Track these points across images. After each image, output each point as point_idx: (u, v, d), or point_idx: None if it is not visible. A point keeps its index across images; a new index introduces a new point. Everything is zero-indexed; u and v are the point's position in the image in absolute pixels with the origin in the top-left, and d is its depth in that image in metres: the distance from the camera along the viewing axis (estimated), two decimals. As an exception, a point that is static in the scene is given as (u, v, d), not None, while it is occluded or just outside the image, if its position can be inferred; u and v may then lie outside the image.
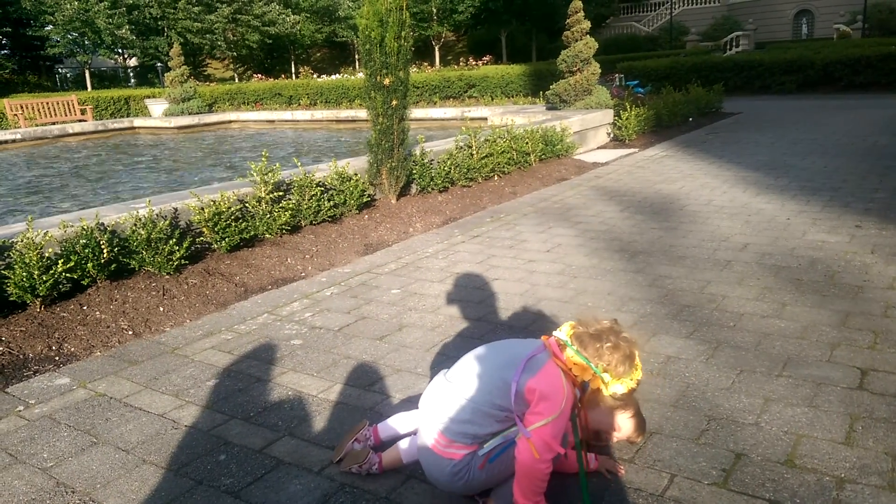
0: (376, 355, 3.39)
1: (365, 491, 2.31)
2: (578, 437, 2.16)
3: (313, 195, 5.64)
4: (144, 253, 4.42)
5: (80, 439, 2.73)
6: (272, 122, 19.08)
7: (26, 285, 3.83)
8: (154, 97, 22.08)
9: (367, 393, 3.01)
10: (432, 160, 7.04)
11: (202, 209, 4.84)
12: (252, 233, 5.14)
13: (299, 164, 5.94)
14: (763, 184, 7.08)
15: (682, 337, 3.42)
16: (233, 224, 4.96)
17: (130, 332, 3.84)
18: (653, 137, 11.08)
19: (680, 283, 4.22)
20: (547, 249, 5.13)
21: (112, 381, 3.25)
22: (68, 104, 19.80)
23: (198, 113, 19.39)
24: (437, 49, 34.64)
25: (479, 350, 2.30)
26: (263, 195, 5.30)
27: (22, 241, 3.93)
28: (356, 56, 37.39)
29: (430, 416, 2.23)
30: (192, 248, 4.82)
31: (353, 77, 22.82)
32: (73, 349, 3.63)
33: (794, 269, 4.35)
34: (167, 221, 4.57)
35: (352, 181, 6.03)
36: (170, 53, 19.83)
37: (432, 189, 6.96)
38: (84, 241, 4.18)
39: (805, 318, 3.55)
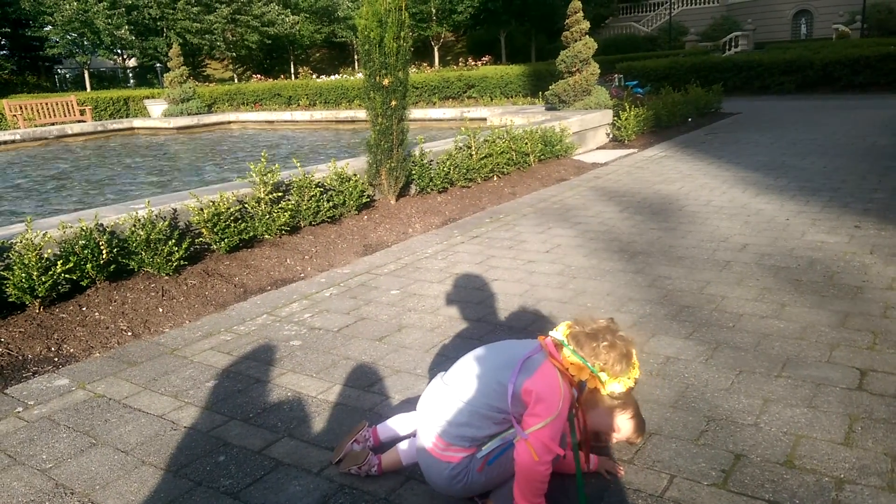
0: (375, 356, 3.39)
1: (364, 492, 2.30)
2: (576, 438, 2.16)
3: (312, 196, 5.64)
4: (144, 254, 4.42)
5: (80, 440, 2.73)
6: (271, 122, 19.07)
7: (25, 286, 3.83)
8: (153, 98, 22.07)
9: (366, 394, 3.01)
10: (431, 161, 7.04)
11: (201, 210, 4.84)
12: (251, 233, 5.14)
13: (298, 164, 5.94)
14: (762, 184, 7.08)
15: (682, 337, 3.42)
16: (232, 225, 4.96)
17: (129, 333, 3.84)
18: (652, 138, 11.09)
19: (679, 283, 4.22)
20: (546, 250, 5.13)
21: (111, 383, 3.24)
22: (67, 105, 19.79)
23: (197, 113, 19.38)
24: (436, 49, 34.64)
25: (476, 352, 2.30)
26: (262, 196, 5.30)
27: (21, 242, 3.92)
28: (355, 56, 37.40)
29: (427, 419, 2.23)
30: (192, 248, 4.82)
31: (352, 77, 22.82)
32: (72, 350, 3.63)
33: (793, 270, 4.35)
34: (166, 222, 4.57)
35: (351, 182, 6.03)
36: (169, 54, 19.81)
37: (431, 190, 6.96)
38: (83, 242, 4.17)
39: (804, 319, 3.56)
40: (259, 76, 30.42)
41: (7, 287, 3.83)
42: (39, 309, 3.98)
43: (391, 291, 4.37)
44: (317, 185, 5.70)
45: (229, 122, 19.57)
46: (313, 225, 5.73)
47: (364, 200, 6.16)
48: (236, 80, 35.49)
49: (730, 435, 2.52)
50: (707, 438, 2.51)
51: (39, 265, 3.87)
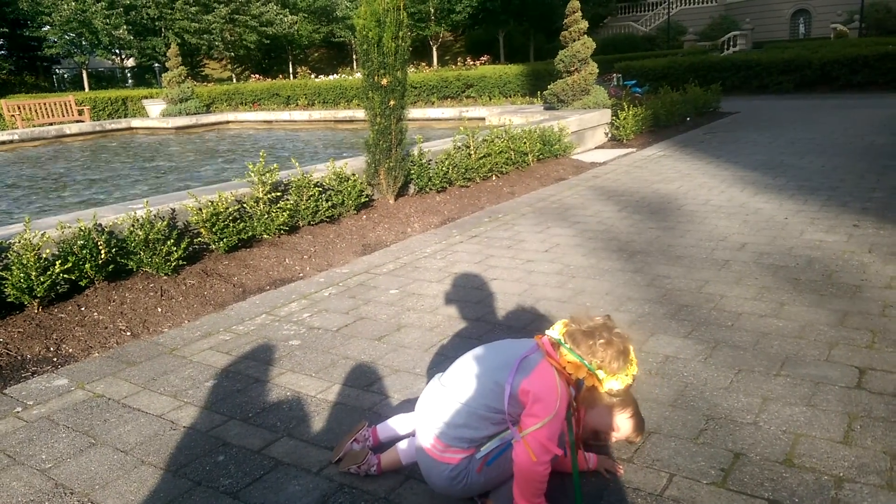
0: (375, 356, 3.39)
1: (364, 491, 2.30)
2: (574, 437, 2.16)
3: (311, 195, 5.64)
4: (142, 254, 4.41)
5: (79, 440, 2.72)
6: (270, 122, 19.07)
7: (24, 286, 3.82)
8: (151, 98, 22.05)
9: (365, 393, 3.01)
10: (430, 160, 7.03)
11: (200, 210, 4.84)
12: (250, 233, 5.14)
13: (297, 164, 5.94)
14: (761, 183, 7.09)
15: (681, 336, 3.42)
16: (231, 224, 4.96)
17: (128, 333, 3.84)
18: (650, 137, 11.09)
19: (678, 282, 4.23)
20: (545, 249, 5.13)
21: (110, 382, 3.24)
22: (66, 105, 19.78)
23: (195, 113, 19.37)
24: (434, 49, 34.63)
25: (473, 352, 2.29)
26: (261, 196, 5.29)
27: (19, 242, 3.92)
28: (354, 56, 37.39)
29: (426, 420, 2.22)
30: (190, 248, 4.81)
31: (350, 77, 22.82)
32: (71, 350, 3.63)
33: (791, 269, 4.35)
34: (165, 222, 4.56)
35: (350, 181, 6.03)
36: (167, 54, 19.80)
37: (430, 189, 6.96)
38: (82, 242, 4.17)
39: (803, 318, 3.56)
40: (257, 76, 30.40)
41: (6, 287, 3.82)
42: (38, 309, 3.98)
43: (390, 291, 4.37)
44: (315, 185, 5.70)
45: (228, 122, 19.56)
46: (312, 225, 5.73)
47: (363, 200, 6.16)
48: (235, 80, 35.47)
49: (729, 434, 2.52)
50: (706, 437, 2.51)
51: (38, 265, 3.86)
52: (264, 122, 19.17)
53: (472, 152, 7.45)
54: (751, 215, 5.78)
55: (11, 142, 16.02)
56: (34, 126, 18.09)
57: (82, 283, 4.21)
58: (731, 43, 30.31)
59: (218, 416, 2.87)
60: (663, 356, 3.20)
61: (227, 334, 3.77)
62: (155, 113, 20.58)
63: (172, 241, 4.46)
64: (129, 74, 38.05)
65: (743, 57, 20.18)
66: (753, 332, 3.41)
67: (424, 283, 4.50)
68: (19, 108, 18.90)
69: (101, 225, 4.40)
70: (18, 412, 2.99)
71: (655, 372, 3.05)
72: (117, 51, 33.23)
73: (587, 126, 10.33)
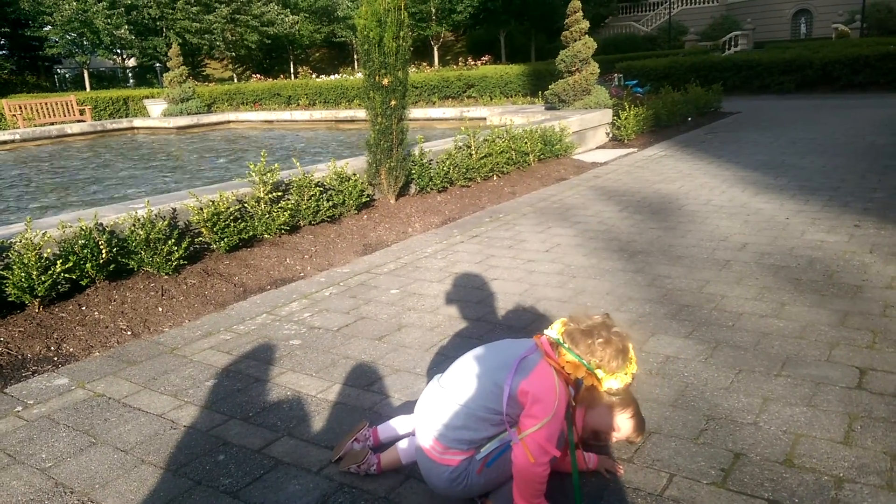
0: (375, 355, 3.39)
1: (364, 491, 2.30)
2: (573, 437, 2.15)
3: (312, 195, 5.64)
4: (143, 253, 4.41)
5: (79, 439, 2.73)
6: (271, 122, 19.07)
7: (25, 286, 3.83)
8: (153, 97, 22.07)
9: (365, 393, 3.01)
10: (431, 160, 7.04)
11: (201, 209, 4.84)
12: (251, 233, 5.14)
13: (298, 164, 5.94)
14: (762, 183, 7.08)
15: (681, 336, 3.42)
16: (231, 224, 4.96)
17: (129, 333, 3.84)
18: (651, 137, 11.09)
19: (679, 282, 4.22)
20: (546, 249, 5.13)
21: (111, 382, 3.24)
22: (67, 104, 19.79)
23: (196, 113, 19.38)
24: (435, 49, 34.63)
25: (471, 353, 2.28)
26: (262, 195, 5.30)
27: (20, 241, 3.92)
28: (355, 56, 37.40)
29: (425, 422, 2.22)
30: (191, 248, 4.82)
31: (351, 77, 22.83)
32: (71, 349, 3.63)
33: (792, 269, 4.35)
34: (166, 222, 4.57)
35: (350, 181, 6.03)
36: (168, 54, 19.82)
37: (431, 189, 6.96)
38: (83, 241, 4.17)
39: (804, 318, 3.56)
40: (258, 76, 30.41)
41: (7, 286, 3.83)
42: (39, 308, 3.98)
43: (391, 291, 4.37)
44: (316, 185, 5.70)
45: (229, 122, 19.57)
46: (313, 224, 5.73)
47: (364, 200, 6.16)
48: (236, 80, 35.48)
49: (729, 434, 2.52)
50: (706, 437, 2.51)
51: (39, 265, 3.87)
52: (265, 122, 19.18)
53: (473, 152, 7.45)
54: (752, 215, 5.78)
55: (13, 141, 16.04)
56: (35, 126, 18.11)
57: (83, 283, 4.22)
58: (733, 43, 30.31)
59: (218, 415, 2.87)
60: (664, 356, 3.20)
61: (228, 334, 3.77)
62: (156, 113, 20.60)
63: (173, 240, 4.47)
64: (130, 74, 38.07)
65: (744, 57, 20.16)
66: (754, 333, 3.40)
67: (425, 282, 4.50)
68: (21, 107, 18.92)
69: (102, 224, 4.40)
70: (19, 411, 3.00)
71: (656, 372, 3.05)
72: (118, 51, 33.25)
73: (588, 126, 10.32)
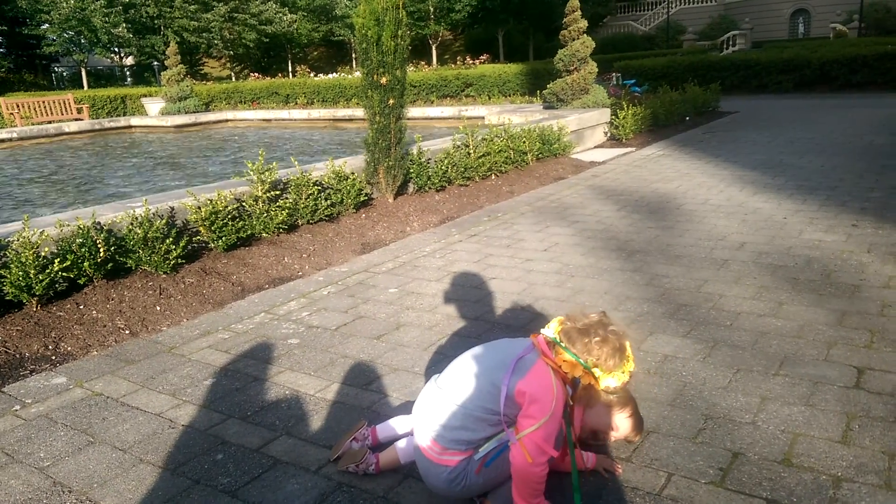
0: (373, 354, 3.39)
1: (362, 490, 2.30)
2: (571, 436, 2.15)
3: (310, 194, 5.63)
4: (141, 252, 4.41)
5: (77, 439, 2.72)
6: (269, 120, 19.07)
7: (22, 284, 3.82)
8: (151, 96, 22.05)
9: (364, 392, 3.01)
10: (429, 159, 7.03)
11: (199, 208, 4.83)
12: (249, 232, 5.13)
13: (296, 163, 5.94)
14: (760, 183, 7.09)
15: (679, 336, 3.42)
16: (229, 223, 4.96)
17: (127, 332, 3.83)
18: (650, 136, 11.10)
19: (677, 282, 4.23)
20: (544, 248, 5.13)
21: (109, 381, 3.24)
22: (65, 103, 19.77)
23: (194, 112, 19.37)
24: (434, 48, 34.62)
25: (469, 353, 2.27)
26: (260, 194, 5.29)
27: (18, 240, 3.92)
28: (353, 55, 37.35)
29: (423, 423, 2.21)
30: (189, 247, 4.81)
31: (350, 76, 22.82)
32: (69, 348, 3.62)
33: (790, 268, 4.36)
34: (164, 220, 4.56)
35: (349, 180, 6.02)
36: (166, 52, 19.80)
37: (429, 188, 6.96)
38: (80, 240, 4.17)
39: (802, 317, 3.56)
40: (257, 74, 30.40)
41: (4, 285, 3.82)
42: (37, 307, 3.97)
43: (389, 290, 4.37)
44: (314, 184, 5.70)
45: (227, 121, 19.56)
46: (311, 223, 5.73)
47: (362, 199, 6.16)
48: (234, 79, 35.43)
49: (727, 433, 2.53)
50: (705, 437, 2.51)
51: (37, 263, 3.86)
52: (263, 120, 19.17)
53: (472, 151, 7.45)
54: (750, 215, 5.79)
55: (10, 140, 16.01)
56: (33, 124, 18.07)
57: (81, 282, 4.21)
58: (731, 42, 30.33)
59: (216, 414, 2.86)
60: (662, 355, 3.21)
61: (226, 333, 3.77)
62: (154, 111, 20.58)
63: (171, 239, 4.46)
64: (128, 73, 38.01)
65: (742, 56, 20.19)
66: (752, 332, 3.41)
67: (423, 281, 4.50)
68: (18, 106, 18.89)
69: (99, 223, 4.40)
70: (17, 410, 2.99)
71: (654, 371, 3.05)
72: (116, 49, 33.22)
73: (586, 125, 10.32)
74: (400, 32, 6.09)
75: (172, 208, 4.92)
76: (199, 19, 31.73)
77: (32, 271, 3.83)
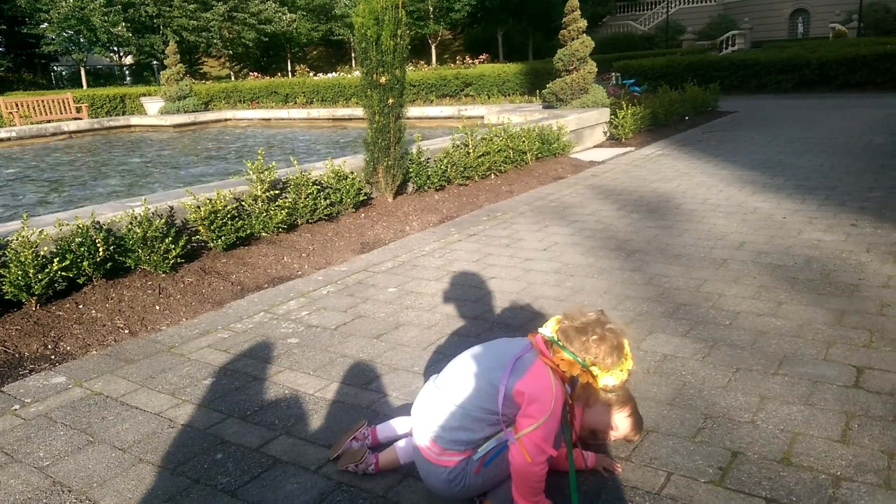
0: (373, 354, 3.39)
1: (362, 489, 2.30)
2: (570, 435, 2.15)
3: (310, 193, 5.63)
4: (140, 251, 4.41)
5: (77, 438, 2.72)
6: (268, 120, 19.06)
7: (22, 284, 3.82)
8: (150, 95, 22.04)
9: (363, 391, 3.01)
10: (429, 159, 7.03)
11: (198, 208, 4.83)
12: (248, 231, 5.13)
13: (295, 162, 5.93)
14: (759, 182, 7.09)
15: (679, 335, 3.42)
16: (229, 222, 4.95)
17: (126, 331, 3.83)
18: (649, 136, 11.10)
19: (676, 281, 4.23)
20: (543, 248, 5.13)
21: (108, 380, 3.24)
22: (64, 102, 19.75)
23: (194, 111, 19.35)
24: (433, 47, 34.62)
25: (467, 353, 2.27)
26: (260, 193, 5.29)
27: (17, 239, 3.91)
28: (352, 54, 37.35)
29: (421, 424, 2.21)
30: (189, 246, 4.81)
31: (349, 75, 22.82)
32: (68, 348, 3.62)
33: (789, 268, 4.36)
34: (163, 220, 4.56)
35: (348, 180, 6.02)
36: (166, 51, 19.78)
37: (429, 187, 6.96)
38: (80, 239, 4.16)
39: (801, 317, 3.56)
40: (256, 74, 30.39)
41: (3, 285, 3.82)
42: (36, 307, 3.97)
43: (388, 289, 4.37)
44: (314, 183, 5.69)
45: (226, 120, 19.55)
46: (310, 223, 5.73)
47: (361, 198, 6.15)
48: (233, 78, 35.42)
49: (727, 432, 2.53)
50: (704, 436, 2.52)
51: (36, 263, 3.86)
52: (263, 120, 19.16)
53: (471, 151, 7.45)
54: (749, 214, 5.79)
55: (9, 139, 16.00)
56: (32, 123, 18.06)
57: (80, 281, 4.21)
58: (730, 42, 30.34)
59: (216, 413, 2.86)
60: (661, 355, 3.21)
61: (226, 332, 3.77)
62: (153, 110, 20.57)
63: (171, 238, 4.46)
64: (127, 72, 38.00)
65: (741, 56, 20.20)
66: (751, 331, 3.41)
67: (423, 281, 4.50)
68: (17, 105, 18.88)
69: (99, 222, 4.39)
70: (16, 410, 2.99)
71: (653, 370, 3.05)
72: (115, 48, 33.22)
73: (586, 125, 10.33)
74: (399, 32, 6.09)
75: (172, 208, 4.92)
76: (199, 18, 31.73)
77: (31, 271, 3.83)
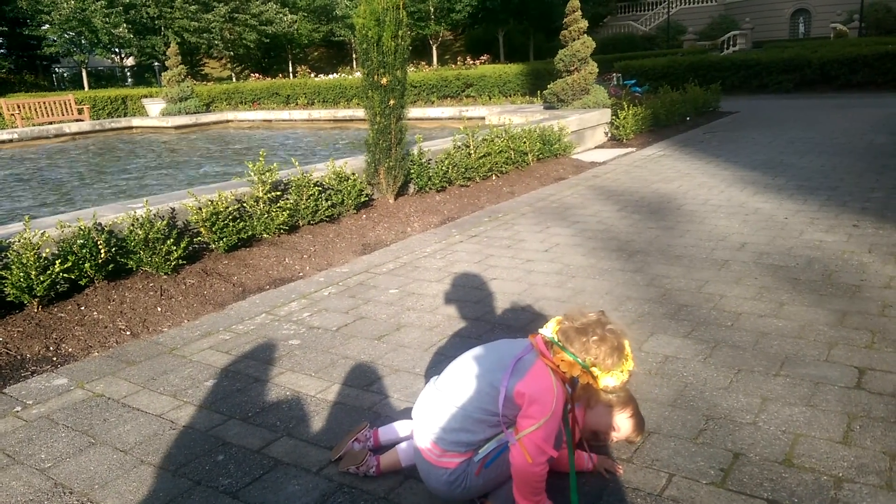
0: (374, 355, 3.39)
1: (363, 491, 2.30)
2: (571, 436, 2.15)
3: (311, 195, 5.63)
4: (142, 253, 4.41)
5: (78, 440, 2.72)
6: (269, 121, 19.07)
7: (24, 286, 3.82)
8: (151, 97, 22.06)
9: (365, 393, 3.01)
10: (430, 160, 7.03)
11: (200, 209, 4.83)
12: (250, 233, 5.13)
13: (297, 163, 5.94)
14: (760, 183, 7.09)
15: (680, 336, 3.42)
16: (230, 224, 4.96)
17: (128, 333, 3.84)
18: (650, 137, 11.09)
19: (677, 282, 4.23)
20: (545, 249, 5.13)
21: (110, 382, 3.24)
22: (65, 104, 19.78)
23: (195, 112, 19.38)
24: (434, 48, 34.61)
25: (468, 354, 2.27)
26: (261, 195, 5.29)
27: (19, 241, 3.92)
28: (353, 55, 37.38)
29: (422, 425, 2.21)
30: (190, 248, 4.81)
31: (350, 76, 22.82)
32: (70, 349, 3.63)
33: (791, 269, 4.36)
34: (165, 221, 4.56)
35: (349, 181, 6.03)
36: (167, 53, 19.81)
37: (430, 189, 6.96)
38: (81, 241, 4.17)
39: (802, 318, 3.56)
40: (257, 75, 30.41)
41: (5, 286, 3.82)
42: (38, 308, 3.98)
43: (390, 290, 4.37)
44: (315, 185, 5.70)
45: (227, 121, 19.57)
46: (312, 224, 5.73)
47: (362, 199, 6.16)
48: (234, 79, 35.44)
49: (728, 434, 2.53)
50: (706, 437, 2.51)
51: (38, 264, 3.86)
52: (264, 121, 19.18)
53: (472, 152, 7.45)
54: (750, 215, 5.78)
55: (11, 141, 16.02)
56: (34, 125, 18.09)
57: (82, 283, 4.21)
58: (731, 42, 30.33)
59: (217, 415, 2.87)
60: (663, 356, 3.21)
61: (227, 334, 3.77)
62: (155, 112, 20.58)
63: (172, 240, 4.46)
64: (128, 73, 38.05)
65: (742, 56, 20.19)
66: (753, 332, 3.41)
67: (424, 282, 4.50)
68: (19, 106, 18.90)
69: (100, 224, 4.40)
70: (18, 411, 2.99)
71: (655, 372, 3.05)
72: (117, 50, 33.23)
73: (587, 125, 10.32)
74: (400, 33, 6.09)
75: (173, 209, 4.93)
76: (200, 20, 31.74)
77: (33, 272, 3.83)
